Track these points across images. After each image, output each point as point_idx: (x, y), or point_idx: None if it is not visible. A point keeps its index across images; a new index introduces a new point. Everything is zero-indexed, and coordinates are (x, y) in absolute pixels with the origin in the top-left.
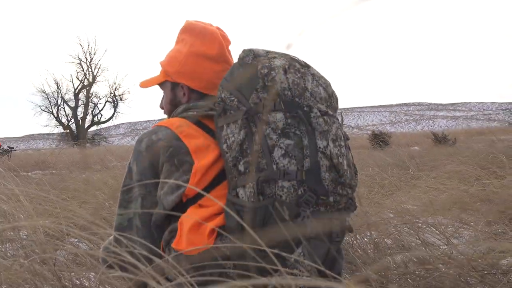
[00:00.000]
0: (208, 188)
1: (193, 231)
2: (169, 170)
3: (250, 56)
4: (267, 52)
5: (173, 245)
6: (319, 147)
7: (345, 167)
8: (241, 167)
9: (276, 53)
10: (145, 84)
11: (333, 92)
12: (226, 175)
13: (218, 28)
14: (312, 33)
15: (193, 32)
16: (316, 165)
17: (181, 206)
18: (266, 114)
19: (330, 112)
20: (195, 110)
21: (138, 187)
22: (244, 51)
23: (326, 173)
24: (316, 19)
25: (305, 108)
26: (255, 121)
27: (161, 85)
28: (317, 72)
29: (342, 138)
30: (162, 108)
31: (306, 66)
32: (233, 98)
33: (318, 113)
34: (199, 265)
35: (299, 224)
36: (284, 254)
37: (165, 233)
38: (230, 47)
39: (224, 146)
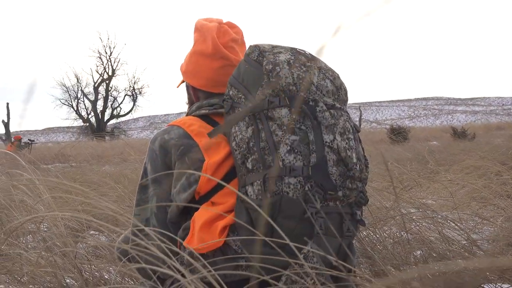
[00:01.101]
0: (219, 185)
1: (204, 229)
2: (180, 168)
3: (256, 52)
4: (273, 47)
5: (184, 243)
6: (326, 142)
7: (354, 160)
8: (249, 165)
9: (282, 47)
10: (178, 84)
11: (341, 84)
12: (236, 172)
13: (221, 23)
14: (345, 33)
15: (195, 30)
16: (323, 160)
17: (194, 204)
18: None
19: (337, 105)
20: (207, 108)
21: (153, 186)
22: (250, 47)
23: (333, 167)
24: (349, 18)
25: (311, 103)
26: (261, 117)
27: (183, 84)
28: (325, 65)
29: (351, 130)
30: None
31: (312, 59)
32: (240, 95)
33: (324, 107)
34: (211, 261)
35: (307, 220)
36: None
37: (179, 230)
38: (242, 43)
39: (233, 143)
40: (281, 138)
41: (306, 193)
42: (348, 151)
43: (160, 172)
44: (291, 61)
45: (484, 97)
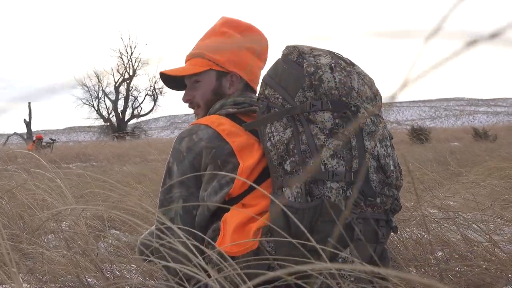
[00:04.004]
0: (251, 188)
1: (237, 231)
2: (212, 171)
3: (295, 53)
4: (311, 49)
5: (217, 244)
6: (367, 148)
7: (392, 167)
8: (287, 167)
9: (320, 50)
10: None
11: (377, 90)
12: (270, 173)
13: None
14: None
15: (240, 28)
16: (364, 166)
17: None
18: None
19: (376, 111)
20: (234, 107)
21: (179, 188)
22: (288, 47)
23: (374, 174)
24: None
25: (353, 108)
26: (301, 120)
27: (200, 74)
28: (362, 70)
29: (388, 137)
30: (188, 101)
31: (351, 64)
32: (277, 96)
33: (366, 113)
34: (244, 265)
35: (347, 226)
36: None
37: (208, 231)
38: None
39: (268, 144)
40: (323, 142)
41: (348, 198)
42: (386, 158)
43: (187, 174)
44: (333, 65)
45: (506, 98)
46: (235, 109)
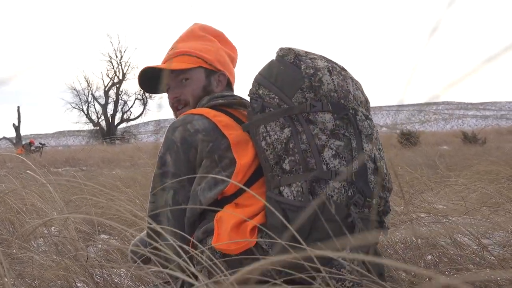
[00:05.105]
0: (245, 187)
1: (234, 229)
2: (208, 166)
3: (291, 54)
4: (306, 52)
5: (212, 243)
6: (365, 150)
7: (385, 170)
8: (286, 166)
9: (314, 54)
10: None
11: (367, 96)
12: (262, 173)
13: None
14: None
15: (215, 33)
16: (363, 167)
17: (215, 203)
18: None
19: (369, 116)
20: (223, 99)
21: (171, 179)
22: (282, 49)
23: (371, 175)
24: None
25: (351, 111)
26: (300, 120)
27: (189, 72)
28: (353, 76)
29: (380, 141)
30: (175, 98)
31: (344, 69)
32: (273, 96)
33: (363, 117)
34: (237, 264)
35: (348, 225)
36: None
37: (197, 232)
38: None
39: (263, 143)
40: (325, 142)
41: (349, 197)
42: (380, 161)
43: (181, 166)
44: (330, 68)
45: (495, 102)
46: (225, 100)
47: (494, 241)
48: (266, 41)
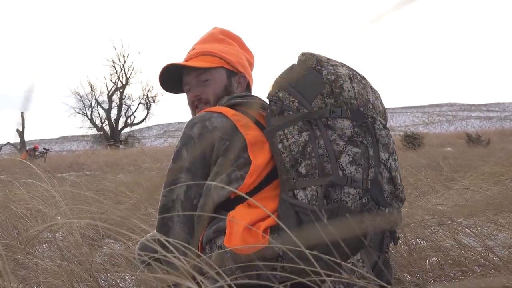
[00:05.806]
0: (258, 188)
1: (247, 230)
2: (224, 163)
3: (313, 60)
4: (328, 58)
5: (224, 242)
6: (382, 159)
7: (399, 180)
8: (301, 169)
9: (335, 61)
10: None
11: (385, 106)
12: (278, 175)
13: None
14: (350, 42)
15: (234, 38)
16: (379, 176)
17: (228, 202)
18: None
19: (387, 126)
20: (241, 98)
21: (185, 174)
22: (304, 54)
23: (386, 185)
24: (355, 26)
25: (370, 119)
26: (318, 124)
27: (211, 71)
28: (372, 86)
29: (395, 152)
30: (196, 97)
31: (364, 78)
32: (293, 99)
33: (381, 126)
34: (247, 265)
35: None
36: (338, 260)
37: (208, 230)
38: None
39: (280, 145)
40: (342, 148)
41: (363, 205)
42: (396, 171)
43: (196, 162)
44: (351, 75)
45: (498, 103)
46: (244, 100)
47: (499, 242)
48: (276, 47)
